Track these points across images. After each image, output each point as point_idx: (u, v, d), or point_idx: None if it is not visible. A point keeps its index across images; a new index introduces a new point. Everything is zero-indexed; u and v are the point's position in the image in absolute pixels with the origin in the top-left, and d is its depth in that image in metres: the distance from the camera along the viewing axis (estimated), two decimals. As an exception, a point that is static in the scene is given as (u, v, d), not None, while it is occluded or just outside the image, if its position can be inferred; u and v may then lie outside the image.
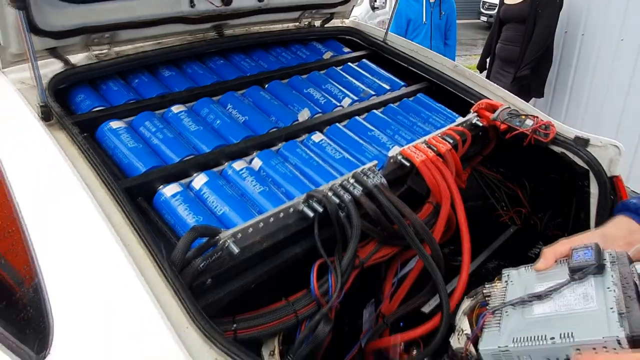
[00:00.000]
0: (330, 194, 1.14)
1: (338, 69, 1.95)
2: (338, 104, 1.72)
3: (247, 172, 1.28)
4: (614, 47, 3.61)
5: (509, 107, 1.68)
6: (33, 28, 1.20)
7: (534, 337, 0.72)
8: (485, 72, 4.38)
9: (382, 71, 2.03)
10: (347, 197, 1.14)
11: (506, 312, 0.81)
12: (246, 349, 0.79)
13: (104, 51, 1.48)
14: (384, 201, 1.17)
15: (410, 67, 2.00)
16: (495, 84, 1.87)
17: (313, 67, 1.90)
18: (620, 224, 0.91)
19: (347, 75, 1.91)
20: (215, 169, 1.28)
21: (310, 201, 1.12)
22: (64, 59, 1.38)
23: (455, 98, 1.85)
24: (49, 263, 0.89)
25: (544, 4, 3.75)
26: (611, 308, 0.69)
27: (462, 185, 1.57)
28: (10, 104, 1.15)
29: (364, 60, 2.09)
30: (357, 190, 1.17)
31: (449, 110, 1.85)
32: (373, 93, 1.84)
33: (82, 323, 0.82)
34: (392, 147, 1.48)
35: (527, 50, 3.84)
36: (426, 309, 1.49)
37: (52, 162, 1.02)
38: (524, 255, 1.84)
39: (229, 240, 0.96)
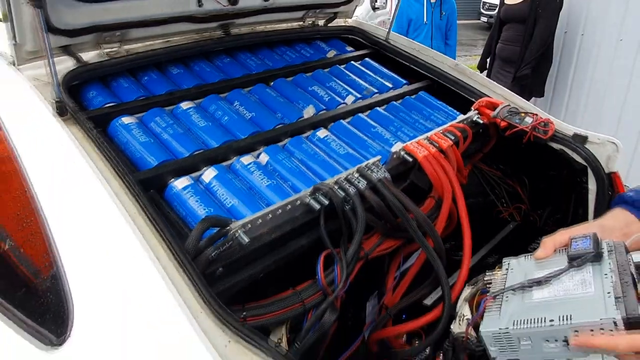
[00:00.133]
0: (336, 187, 1.16)
1: (341, 67, 1.98)
2: (342, 102, 1.75)
3: (255, 166, 1.31)
4: (613, 47, 3.63)
5: (509, 105, 1.70)
6: (49, 26, 1.24)
7: (534, 319, 0.75)
8: (485, 72, 4.40)
9: (385, 70, 2.05)
10: (352, 190, 1.16)
11: (506, 297, 0.84)
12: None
13: (115, 49, 1.52)
14: (388, 195, 1.20)
15: (413, 66, 2.03)
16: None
17: (317, 66, 1.93)
18: (617, 216, 0.94)
19: (350, 74, 1.94)
20: (224, 163, 1.32)
21: (317, 194, 1.14)
22: (76, 57, 1.41)
23: (457, 96, 1.88)
24: (68, 251, 0.93)
25: (544, 4, 3.77)
26: (608, 293, 0.72)
27: (464, 180, 1.60)
28: (27, 100, 1.18)
29: (366, 59, 2.11)
30: (362, 184, 1.19)
31: (450, 108, 1.88)
32: (376, 91, 1.87)
33: (101, 306, 0.86)
34: (395, 143, 1.51)
35: (527, 50, 3.86)
36: (428, 301, 1.51)
37: (67, 155, 1.06)
38: (524, 250, 1.83)
39: (239, 231, 0.98)
